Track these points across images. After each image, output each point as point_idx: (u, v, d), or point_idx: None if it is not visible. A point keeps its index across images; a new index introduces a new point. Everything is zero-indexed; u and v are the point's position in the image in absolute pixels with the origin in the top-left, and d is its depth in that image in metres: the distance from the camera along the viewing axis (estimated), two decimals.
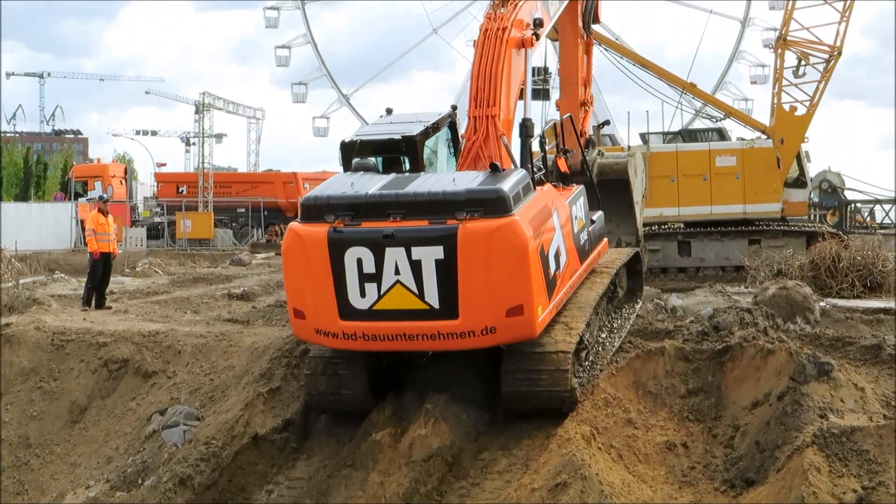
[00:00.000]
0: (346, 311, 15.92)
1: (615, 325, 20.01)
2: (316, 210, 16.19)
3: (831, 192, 55.14)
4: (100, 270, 28.07)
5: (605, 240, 21.55)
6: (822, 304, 23.74)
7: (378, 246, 15.63)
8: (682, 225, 41.08)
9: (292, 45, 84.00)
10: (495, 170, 17.05)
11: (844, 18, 40.60)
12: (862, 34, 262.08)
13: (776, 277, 28.17)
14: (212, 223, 67.02)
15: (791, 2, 41.57)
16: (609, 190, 22.92)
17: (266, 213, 70.09)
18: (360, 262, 15.73)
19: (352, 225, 15.85)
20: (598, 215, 21.21)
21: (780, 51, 42.06)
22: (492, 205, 15.65)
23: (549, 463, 13.31)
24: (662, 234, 40.77)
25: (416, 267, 15.60)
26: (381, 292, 15.78)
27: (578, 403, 15.93)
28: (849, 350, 17.68)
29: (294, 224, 16.46)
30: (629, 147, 42.04)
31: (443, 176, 17.53)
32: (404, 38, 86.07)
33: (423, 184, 16.62)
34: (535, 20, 19.84)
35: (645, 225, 40.91)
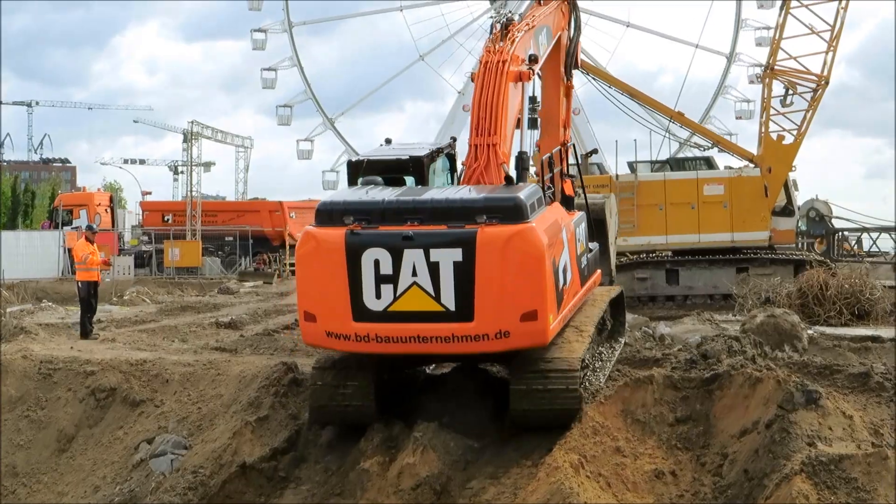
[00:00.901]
0: (361, 312, 16.15)
1: (602, 359, 20.06)
2: (333, 214, 16.59)
3: (819, 221, 55.30)
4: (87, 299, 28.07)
5: (599, 271, 21.79)
6: (809, 331, 23.82)
7: (396, 248, 15.99)
8: (670, 253, 41.15)
9: (278, 68, 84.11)
10: (510, 182, 17.70)
11: (832, 48, 40.80)
12: (849, 64, 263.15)
13: (764, 305, 28.25)
14: (200, 252, 67.00)
15: (779, 32, 41.72)
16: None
17: (252, 241, 70.09)
18: (377, 263, 16.06)
19: (369, 228, 16.19)
20: (594, 245, 21.53)
21: (767, 80, 42.29)
22: (509, 212, 16.11)
23: (538, 491, 13.30)
24: (651, 263, 40.84)
25: (433, 269, 15.93)
26: (397, 294, 16.06)
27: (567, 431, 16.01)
28: (837, 378, 17.72)
29: (309, 228, 16.80)
30: (617, 176, 42.25)
31: (458, 188, 17.97)
32: (394, 68, 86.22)
33: (438, 193, 17.15)
34: (530, 56, 20.48)
35: (633, 253, 41.23)
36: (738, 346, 20.28)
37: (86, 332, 27.30)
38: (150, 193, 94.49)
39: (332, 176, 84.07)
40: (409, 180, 19.12)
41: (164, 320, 33.62)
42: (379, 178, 18.53)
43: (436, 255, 15.98)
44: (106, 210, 72.91)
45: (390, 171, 19.18)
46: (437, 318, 16.09)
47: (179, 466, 16.90)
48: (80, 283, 28.09)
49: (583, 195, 23.66)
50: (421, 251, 16.00)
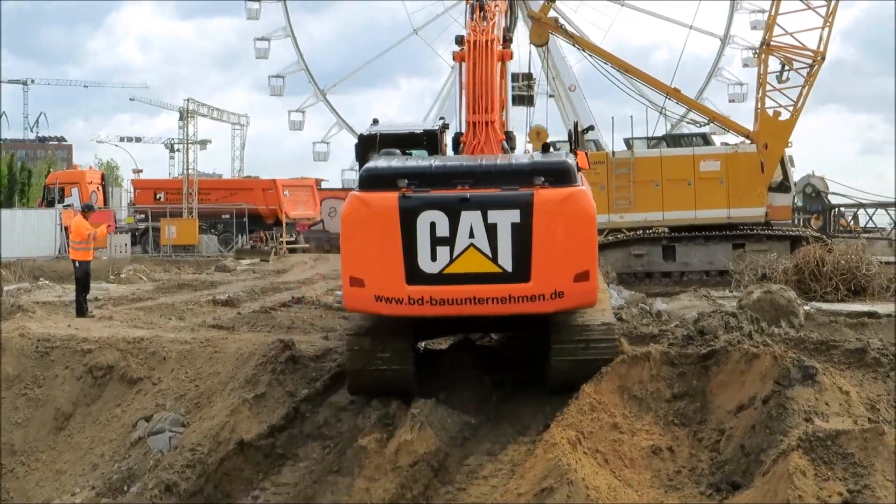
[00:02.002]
0: (415, 275, 16.34)
1: None
2: (381, 179, 16.82)
3: (815, 197, 55.27)
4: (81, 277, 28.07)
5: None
6: (806, 307, 23.80)
7: (454, 210, 16.23)
8: (666, 230, 41.06)
9: (272, 38, 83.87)
10: (547, 149, 18.61)
11: (828, 24, 40.68)
12: (844, 39, 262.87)
13: (760, 281, 28.23)
14: (196, 230, 66.91)
15: (774, 7, 41.61)
16: None
17: (234, 219, 70.05)
18: (433, 225, 16.28)
19: (423, 192, 16.42)
20: None
21: (763, 56, 42.15)
22: (559, 175, 16.66)
23: (535, 468, 13.31)
24: (647, 239, 40.78)
25: (491, 231, 16.20)
26: (454, 256, 16.31)
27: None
28: (833, 354, 17.73)
29: (356, 193, 16.99)
30: (613, 153, 42.19)
31: (497, 156, 18.38)
32: (387, 44, 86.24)
33: (486, 159, 17.76)
34: (505, 35, 21.41)
35: (630, 229, 41.20)
36: (734, 322, 20.30)
37: (82, 310, 27.30)
38: (141, 171, 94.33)
39: (323, 147, 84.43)
40: (416, 153, 19.52)
41: (161, 298, 33.61)
42: (397, 150, 18.87)
43: (493, 216, 16.26)
44: (98, 188, 72.75)
45: (404, 143, 19.84)
46: (494, 280, 16.36)
47: (177, 444, 16.92)
48: (77, 262, 28.00)
49: None
50: (479, 213, 16.27)
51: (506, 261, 16.32)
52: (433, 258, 16.34)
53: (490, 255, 16.31)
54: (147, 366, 20.39)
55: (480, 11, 22.00)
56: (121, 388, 20.03)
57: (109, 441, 18.71)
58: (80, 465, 18.45)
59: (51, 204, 69.81)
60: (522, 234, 16.26)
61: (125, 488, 16.20)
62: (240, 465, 16.06)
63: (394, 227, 16.35)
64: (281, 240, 68.85)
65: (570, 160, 17.46)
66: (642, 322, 23.81)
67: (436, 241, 16.31)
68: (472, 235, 16.24)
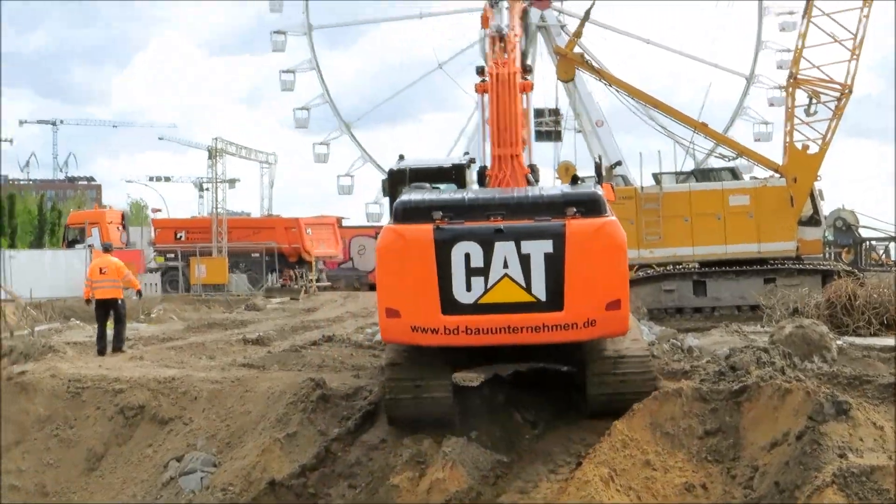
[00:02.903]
0: (450, 305, 16.59)
1: None
2: (415, 211, 17.10)
3: (846, 230, 55.05)
4: (106, 315, 28.37)
5: None
6: (838, 342, 23.69)
7: (488, 241, 16.52)
8: (696, 265, 40.95)
9: (297, 70, 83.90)
10: (575, 181, 19.26)
11: (854, 57, 40.64)
12: (871, 73, 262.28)
13: (792, 316, 28.11)
14: (226, 268, 67.09)
15: (801, 41, 41.61)
16: None
17: (267, 258, 70.22)
18: (467, 256, 16.55)
19: (457, 223, 16.71)
20: None
21: (791, 89, 42.11)
22: (589, 206, 17.00)
23: None
24: (677, 275, 40.67)
25: (524, 261, 16.49)
26: (488, 286, 16.55)
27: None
28: (867, 388, 17.67)
29: (390, 225, 17.38)
30: (642, 188, 42.21)
31: (525, 188, 19.06)
32: (412, 79, 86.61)
33: (518, 191, 18.26)
34: (525, 67, 21.79)
35: (660, 265, 41.12)
36: (766, 357, 20.21)
37: (102, 350, 27.68)
38: (160, 210, 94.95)
39: (347, 181, 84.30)
40: (444, 187, 19.92)
41: (191, 337, 33.67)
42: (426, 184, 19.22)
43: (527, 247, 16.52)
44: (118, 228, 73.11)
45: (433, 178, 20.14)
46: (528, 309, 16.58)
47: (209, 484, 16.95)
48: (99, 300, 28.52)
49: None
50: (512, 243, 16.52)
51: (539, 290, 16.54)
52: (468, 288, 16.56)
53: (524, 284, 16.52)
54: (178, 405, 20.45)
55: (501, 42, 22.48)
56: (152, 428, 20.08)
57: (141, 481, 18.74)
58: None
59: (72, 244, 70.23)
60: (555, 264, 16.51)
61: None
62: None
63: (429, 258, 16.60)
64: (311, 278, 68.99)
65: (600, 191, 17.73)
66: (674, 358, 23.76)
67: (470, 272, 16.53)
68: (506, 266, 16.46)
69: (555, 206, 16.94)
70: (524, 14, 27.51)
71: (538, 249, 16.55)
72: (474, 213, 16.98)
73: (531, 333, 16.71)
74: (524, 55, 26.55)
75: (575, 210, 16.75)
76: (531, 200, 17.38)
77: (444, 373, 17.82)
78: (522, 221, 16.72)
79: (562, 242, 16.55)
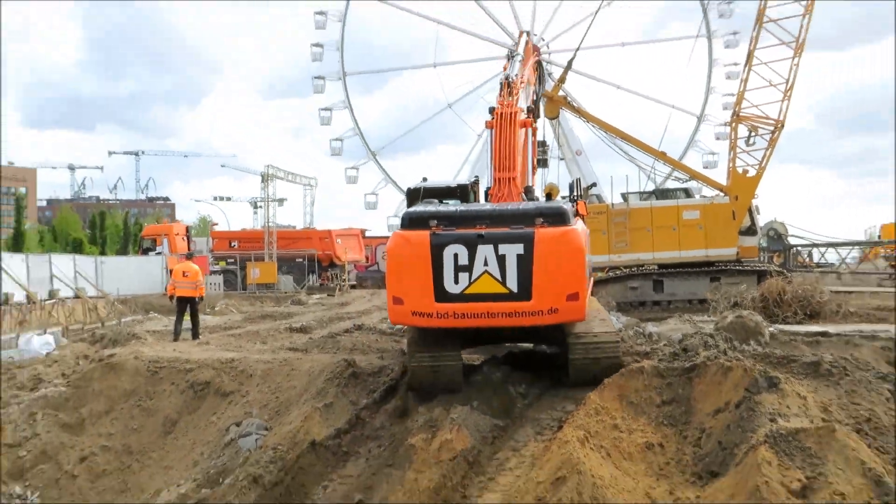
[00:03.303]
0: (442, 295, 17.08)
1: None
2: (417, 220, 17.57)
3: (777, 239, 55.06)
4: (184, 310, 28.68)
5: (595, 273, 22.57)
6: (770, 329, 23.70)
7: (472, 244, 17.00)
8: (656, 267, 41.01)
9: (333, 108, 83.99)
10: (549, 198, 19.65)
11: (786, 97, 40.72)
12: (801, 110, 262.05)
13: (733, 308, 28.14)
14: (276, 271, 67.30)
15: (743, 85, 41.77)
16: None
17: (307, 262, 70.62)
18: (456, 256, 17.05)
19: (449, 230, 17.20)
20: (592, 259, 22.36)
21: (734, 124, 42.21)
22: (555, 217, 17.31)
23: (551, 461, 13.31)
24: (640, 275, 40.72)
25: (501, 260, 16.96)
26: (472, 279, 17.04)
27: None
28: (793, 366, 17.66)
29: (398, 231, 17.89)
30: (612, 204, 42.25)
31: (508, 203, 19.27)
32: (430, 120, 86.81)
33: (497, 205, 18.57)
34: (528, 108, 22.32)
35: (626, 267, 41.15)
36: (712, 341, 20.27)
37: (177, 336, 28.05)
38: (217, 224, 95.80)
39: (373, 198, 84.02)
40: (451, 202, 20.29)
41: (247, 327, 33.76)
42: (435, 200, 19.79)
43: (503, 249, 16.97)
44: (182, 238, 73.46)
45: (442, 195, 20.61)
46: (503, 298, 17.01)
47: (262, 444, 16.98)
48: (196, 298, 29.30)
49: None
50: (491, 246, 16.99)
51: (512, 284, 16.97)
52: (456, 281, 17.05)
53: (500, 279, 16.98)
54: (237, 381, 20.50)
55: (508, 87, 22.87)
56: (216, 400, 20.14)
57: (207, 443, 18.79)
58: (184, 462, 18.54)
59: (146, 252, 70.60)
60: (525, 263, 16.94)
61: (220, 480, 16.25)
62: (312, 461, 16.10)
63: (426, 257, 17.09)
64: (344, 279, 69.18)
65: (566, 206, 18.07)
66: (637, 342, 23.76)
67: (458, 268, 17.05)
68: (486, 264, 16.97)
69: (527, 217, 17.29)
70: (538, 66, 27.89)
71: (512, 251, 17.00)
72: (463, 222, 17.40)
73: (505, 318, 17.17)
74: (537, 98, 26.95)
75: (542, 220, 17.14)
76: (508, 212, 17.69)
77: (455, 349, 18.20)
78: (500, 229, 17.14)
79: (531, 246, 16.96)
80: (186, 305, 29.24)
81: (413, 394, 18.46)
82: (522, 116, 21.57)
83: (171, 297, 29.62)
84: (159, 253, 69.03)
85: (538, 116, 28.08)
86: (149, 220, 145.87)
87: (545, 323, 17.45)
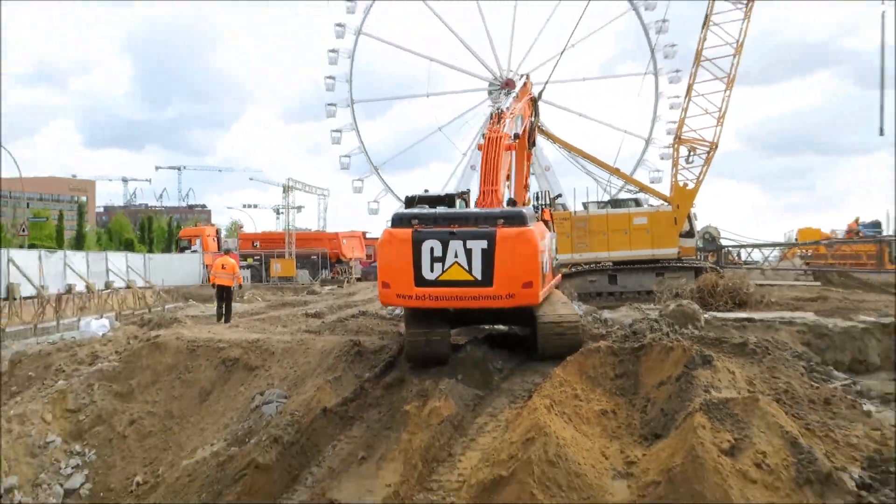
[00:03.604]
0: (420, 280, 17.62)
1: None
2: (403, 220, 18.12)
3: (711, 240, 55.11)
4: (222, 296, 29.02)
5: (562, 272, 22.55)
6: (705, 315, 23.73)
7: (445, 240, 17.57)
8: (611, 263, 41.01)
9: (342, 130, 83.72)
10: (513, 203, 20.14)
11: (720, 123, 40.84)
12: (732, 135, 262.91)
13: (675, 298, 28.15)
14: (294, 266, 67.13)
15: (684, 112, 41.84)
16: None
17: (319, 259, 70.70)
18: (432, 249, 17.58)
19: (427, 228, 17.72)
20: (558, 257, 22.37)
21: (676, 145, 42.27)
22: (514, 219, 17.79)
23: (522, 425, 13.30)
24: (598, 270, 40.72)
25: (468, 253, 17.49)
26: (444, 268, 17.57)
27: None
28: (724, 346, 17.68)
29: (387, 228, 18.41)
30: (575, 212, 42.25)
31: (478, 208, 19.89)
32: (426, 142, 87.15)
33: (467, 210, 19.40)
34: (515, 134, 22.50)
35: (586, 264, 41.16)
36: (657, 325, 20.29)
37: (224, 318, 28.38)
38: (242, 227, 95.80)
39: (375, 205, 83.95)
40: (441, 209, 20.41)
41: (270, 312, 33.70)
42: (427, 206, 20.22)
43: (470, 244, 17.50)
44: (213, 239, 73.31)
45: (434, 202, 20.91)
46: (470, 284, 17.49)
47: (282, 410, 16.95)
48: (230, 286, 29.53)
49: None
50: (461, 242, 17.51)
51: (477, 272, 17.44)
52: (431, 270, 17.56)
53: (467, 268, 17.46)
54: (261, 358, 20.45)
55: (498, 117, 23.40)
56: (244, 374, 20.09)
57: (236, 409, 18.75)
58: (216, 426, 18.49)
59: (182, 250, 70.43)
60: (488, 256, 17.41)
61: (246, 440, 16.21)
62: (324, 425, 16.06)
63: (408, 250, 17.60)
64: (351, 273, 69.05)
65: (525, 211, 18.66)
66: (594, 326, 23.78)
67: (433, 259, 17.56)
68: (456, 256, 17.48)
69: (491, 219, 17.76)
70: (534, 102, 28.60)
71: (478, 246, 17.45)
72: (439, 222, 17.86)
73: (471, 301, 17.63)
74: (532, 128, 27.36)
75: (503, 221, 17.61)
76: (476, 215, 18.19)
77: (443, 327, 18.51)
78: (469, 228, 17.64)
79: (493, 242, 17.39)
80: (224, 293, 29.39)
81: (408, 367, 18.50)
82: (508, 141, 21.80)
83: (213, 285, 29.88)
84: (194, 251, 68.82)
85: (534, 144, 28.45)
86: (189, 223, 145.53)
87: (504, 306, 17.86)
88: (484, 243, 17.60)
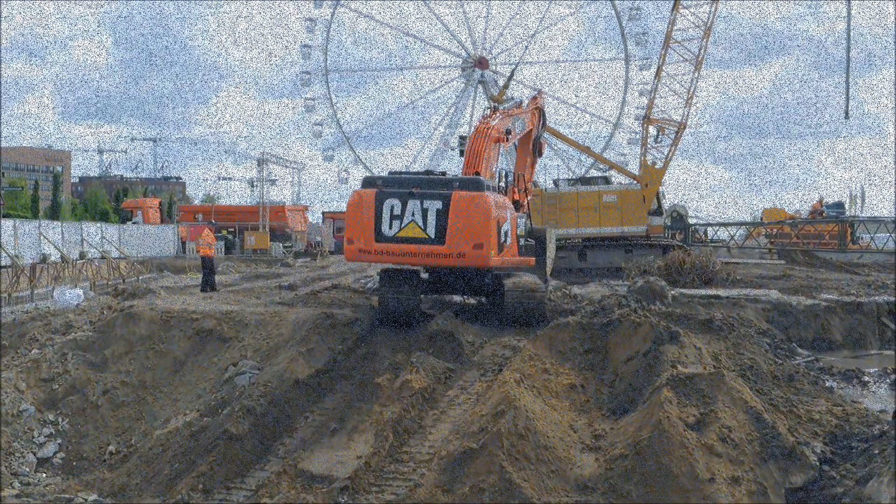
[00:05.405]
0: (380, 237, 19.19)
1: None
2: (370, 182, 19.94)
3: (679, 219, 55.19)
4: (206, 266, 30.17)
5: (534, 257, 22.86)
6: (672, 292, 23.81)
7: (404, 200, 19.13)
8: (581, 240, 41.10)
9: (317, 99, 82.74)
10: (477, 175, 21.06)
11: (688, 105, 41.03)
12: (700, 116, 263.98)
13: (643, 275, 28.21)
14: (268, 239, 66.67)
15: (653, 93, 41.95)
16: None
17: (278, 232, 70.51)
18: (392, 208, 19.13)
19: (390, 189, 19.30)
20: (531, 241, 23.86)
21: (645, 125, 42.38)
22: (470, 185, 19.37)
23: (492, 398, 13.29)
24: (568, 247, 40.75)
25: (424, 213, 18.95)
26: (402, 226, 19.07)
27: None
28: (690, 323, 17.78)
29: (357, 189, 20.04)
30: (546, 189, 42.24)
31: (443, 175, 20.80)
32: (404, 120, 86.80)
33: (429, 176, 20.19)
34: (507, 130, 23.88)
35: (557, 241, 41.22)
36: (625, 301, 20.31)
37: (206, 288, 29.24)
38: (218, 199, 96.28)
39: (345, 175, 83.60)
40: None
41: (244, 284, 33.50)
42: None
43: (426, 204, 18.98)
44: (155, 211, 72.57)
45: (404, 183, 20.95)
46: (424, 242, 19.00)
47: (255, 381, 16.86)
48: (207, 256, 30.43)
49: (529, 223, 24.52)
50: (419, 202, 19.02)
51: (431, 231, 18.91)
52: (390, 227, 19.10)
53: (423, 227, 18.94)
54: (235, 329, 20.31)
55: (493, 112, 25.39)
56: (217, 345, 19.95)
57: (209, 380, 18.63)
58: (190, 395, 18.36)
59: (124, 220, 69.53)
60: (443, 217, 18.85)
61: (219, 411, 16.10)
62: (296, 396, 15.99)
63: (371, 208, 19.18)
64: (324, 247, 68.84)
65: (482, 179, 20.18)
66: (564, 301, 23.83)
67: (392, 217, 19.06)
68: (413, 215, 18.94)
69: (449, 184, 19.31)
70: (541, 113, 29.65)
71: (433, 207, 18.88)
72: (401, 185, 19.38)
73: (425, 258, 19.16)
74: (538, 136, 28.98)
75: (460, 185, 19.19)
76: (436, 180, 19.54)
77: (412, 291, 19.66)
78: (428, 190, 19.11)
79: (448, 203, 18.82)
80: (209, 262, 30.29)
81: (380, 339, 18.53)
82: (495, 135, 22.95)
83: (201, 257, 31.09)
84: (136, 222, 67.78)
85: (541, 154, 29.55)
86: (164, 195, 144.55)
87: (455, 265, 19.23)
88: (439, 204, 18.82)
